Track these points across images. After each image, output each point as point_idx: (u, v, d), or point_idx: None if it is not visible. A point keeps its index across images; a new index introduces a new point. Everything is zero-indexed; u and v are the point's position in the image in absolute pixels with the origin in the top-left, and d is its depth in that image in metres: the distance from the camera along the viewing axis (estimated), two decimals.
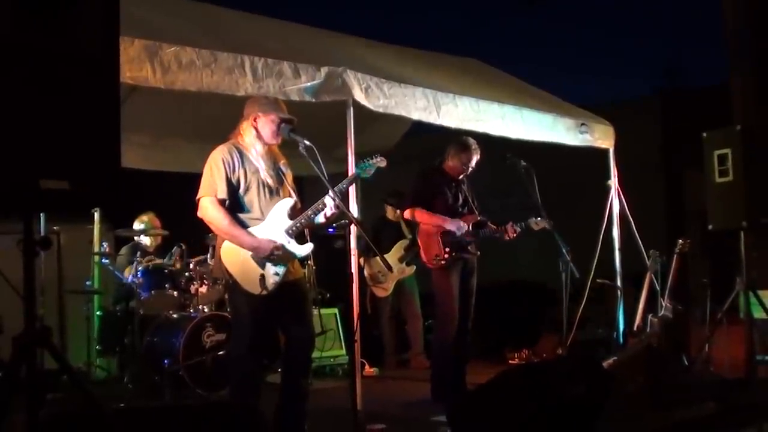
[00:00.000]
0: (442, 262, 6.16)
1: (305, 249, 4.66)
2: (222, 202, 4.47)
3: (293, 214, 4.64)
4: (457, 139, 6.39)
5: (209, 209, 4.47)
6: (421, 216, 6.30)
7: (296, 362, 4.71)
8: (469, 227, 6.25)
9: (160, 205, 7.70)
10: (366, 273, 8.15)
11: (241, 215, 4.56)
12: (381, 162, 4.82)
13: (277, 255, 4.47)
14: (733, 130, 6.00)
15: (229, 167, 4.51)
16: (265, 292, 4.47)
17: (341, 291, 6.13)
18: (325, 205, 4.58)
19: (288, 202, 4.63)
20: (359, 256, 7.76)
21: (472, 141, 6.35)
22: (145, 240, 7.66)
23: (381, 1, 43.70)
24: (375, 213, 8.75)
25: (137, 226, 7.57)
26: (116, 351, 6.92)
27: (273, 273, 4.50)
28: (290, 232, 4.58)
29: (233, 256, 4.54)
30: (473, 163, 6.33)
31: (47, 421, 3.08)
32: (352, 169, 5.83)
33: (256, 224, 4.55)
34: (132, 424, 3.25)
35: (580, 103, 8.48)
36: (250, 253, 4.48)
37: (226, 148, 4.57)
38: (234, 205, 4.55)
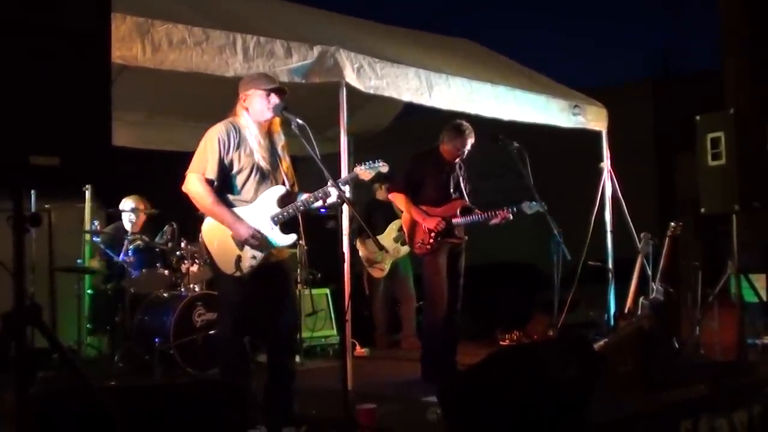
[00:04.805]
0: (427, 247, 6.16)
1: (287, 239, 4.61)
2: (209, 182, 4.43)
3: (283, 201, 4.59)
4: (450, 122, 6.30)
5: (194, 185, 4.43)
6: (402, 204, 6.32)
7: (280, 343, 4.72)
8: (456, 213, 6.23)
9: (151, 183, 7.63)
10: (361, 254, 8.12)
11: (230, 196, 4.52)
12: (383, 167, 4.72)
13: (253, 243, 4.44)
14: (727, 114, 6.00)
15: (224, 147, 4.45)
16: (238, 274, 4.46)
17: (333, 271, 6.11)
18: (317, 198, 4.54)
19: (279, 190, 4.58)
20: (354, 238, 7.75)
21: (465, 125, 6.24)
22: (126, 222, 7.61)
23: None
24: (364, 195, 8.70)
25: (124, 206, 7.50)
26: (107, 329, 6.89)
27: (250, 256, 4.48)
28: (276, 219, 4.53)
29: (213, 234, 4.54)
30: (467, 147, 6.25)
31: (37, 399, 3.07)
32: (344, 150, 5.82)
33: (243, 206, 4.52)
34: (122, 403, 3.24)
35: (572, 86, 8.46)
36: (231, 232, 4.47)
37: (224, 127, 4.50)
38: (224, 185, 4.50)
